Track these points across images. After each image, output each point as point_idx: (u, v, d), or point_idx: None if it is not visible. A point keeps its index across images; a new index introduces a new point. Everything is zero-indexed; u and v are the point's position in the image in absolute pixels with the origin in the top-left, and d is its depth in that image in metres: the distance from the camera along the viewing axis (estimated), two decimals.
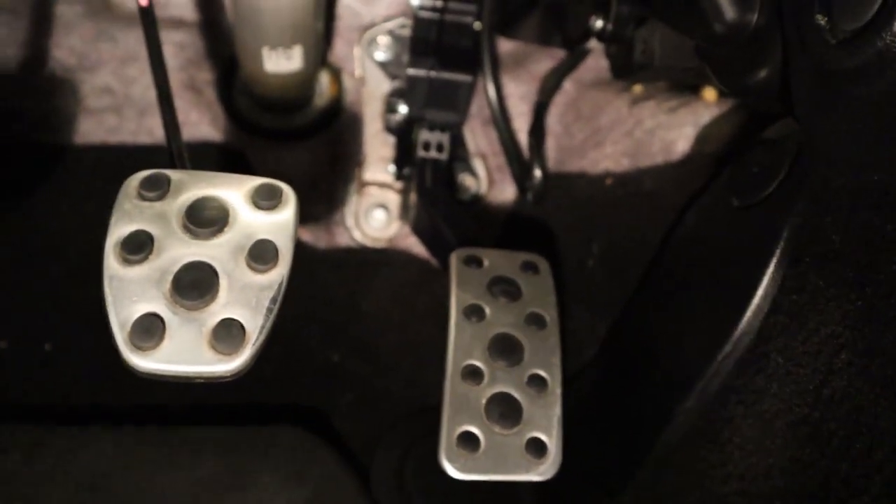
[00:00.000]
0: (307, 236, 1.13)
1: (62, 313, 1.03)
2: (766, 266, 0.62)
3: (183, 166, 0.70)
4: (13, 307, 1.03)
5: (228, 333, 0.56)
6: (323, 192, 1.15)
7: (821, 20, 0.52)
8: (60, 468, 0.84)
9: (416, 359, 1.05)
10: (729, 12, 0.61)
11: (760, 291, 0.62)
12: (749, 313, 0.63)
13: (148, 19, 0.75)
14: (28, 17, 1.12)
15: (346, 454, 0.93)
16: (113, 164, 1.12)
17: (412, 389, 1.03)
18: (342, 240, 1.14)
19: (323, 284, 1.09)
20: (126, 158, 1.12)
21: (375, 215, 1.13)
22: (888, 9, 0.46)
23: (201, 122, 1.14)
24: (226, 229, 0.60)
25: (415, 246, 1.13)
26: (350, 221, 1.14)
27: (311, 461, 0.86)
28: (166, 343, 0.55)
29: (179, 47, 1.16)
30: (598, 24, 0.87)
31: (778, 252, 0.62)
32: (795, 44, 0.56)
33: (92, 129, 1.12)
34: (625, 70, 0.90)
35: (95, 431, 0.87)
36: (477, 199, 1.14)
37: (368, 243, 1.14)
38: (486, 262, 0.81)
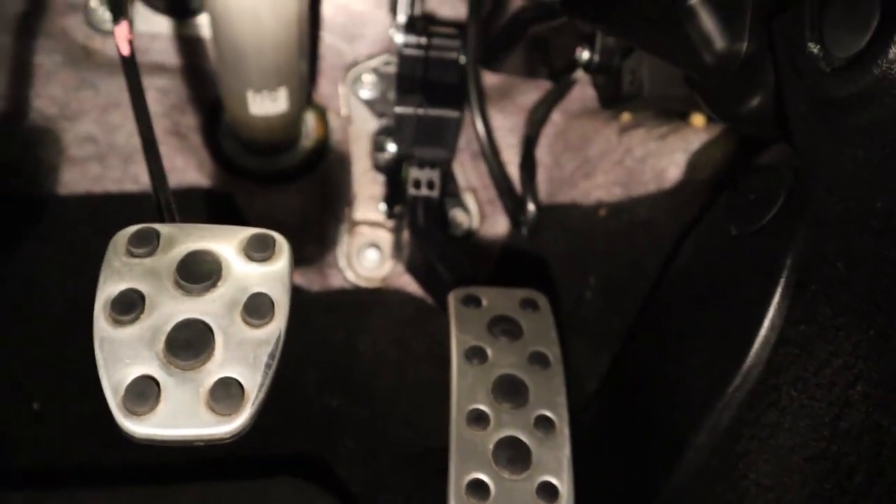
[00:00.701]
0: (300, 279, 1.11)
1: (49, 370, 1.00)
2: (771, 295, 0.61)
3: (172, 219, 0.68)
4: None
5: (227, 393, 0.54)
6: (313, 234, 1.14)
7: (813, 48, 0.52)
8: None
9: (414, 400, 1.03)
10: (718, 42, 0.60)
11: (767, 322, 0.61)
12: (757, 344, 0.62)
13: (130, 69, 0.74)
14: (7, 68, 1.11)
15: (349, 501, 0.91)
16: (98, 214, 1.10)
17: (412, 431, 1.01)
18: (335, 281, 1.13)
19: (318, 328, 1.08)
20: (111, 207, 1.10)
21: (368, 255, 1.12)
22: (882, 36, 0.46)
23: (187, 168, 1.12)
24: (219, 284, 0.58)
25: (409, 284, 1.11)
26: (342, 262, 1.13)
27: None
28: (162, 406, 0.53)
29: (162, 93, 1.15)
30: (585, 55, 0.87)
31: (782, 280, 0.61)
32: (788, 72, 0.55)
33: (75, 179, 1.10)
34: (613, 100, 0.89)
35: (87, 495, 0.84)
36: (469, 234, 1.13)
37: (362, 284, 1.13)
38: (484, 302, 0.80)
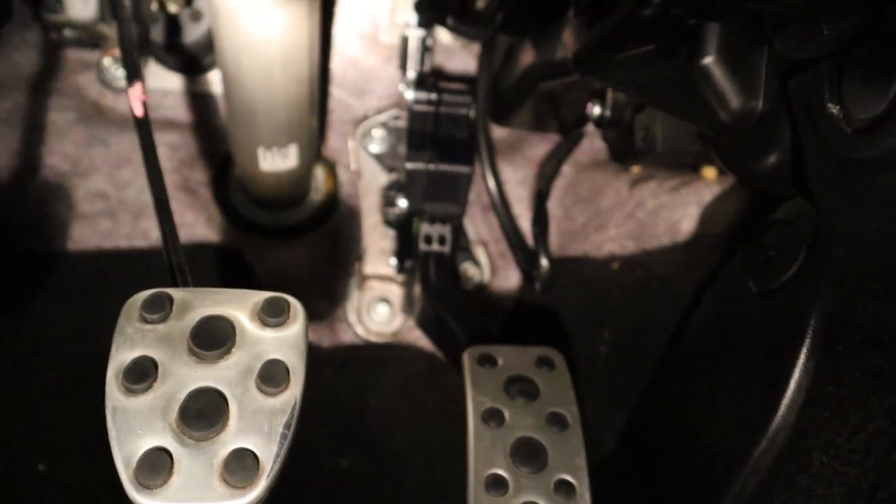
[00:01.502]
0: (309, 335, 1.10)
1: (56, 430, 0.99)
2: (796, 355, 0.60)
3: (185, 282, 0.67)
4: (5, 422, 0.99)
5: (241, 465, 0.53)
6: (323, 289, 1.13)
7: (833, 109, 0.51)
8: None
9: (427, 460, 1.01)
10: (733, 100, 0.60)
11: (793, 383, 0.60)
12: (783, 406, 0.60)
13: (143, 130, 0.74)
14: (21, 126, 1.12)
15: None
16: (108, 270, 1.09)
17: (425, 493, 0.99)
18: (345, 337, 1.11)
19: (328, 384, 1.06)
20: (121, 263, 1.10)
21: (378, 310, 1.11)
22: None
23: (197, 223, 1.12)
24: (233, 350, 0.57)
25: (420, 339, 1.10)
26: (352, 317, 1.12)
27: None
28: (175, 479, 0.52)
29: (172, 148, 1.16)
30: (596, 110, 0.87)
31: (808, 340, 0.60)
32: (808, 132, 0.55)
33: (86, 235, 1.10)
34: (625, 155, 0.89)
35: None
36: (481, 288, 1.12)
37: (372, 339, 1.11)
38: (499, 361, 0.78)
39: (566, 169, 1.12)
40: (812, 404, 0.59)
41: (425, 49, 1.02)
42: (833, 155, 0.52)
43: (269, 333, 0.59)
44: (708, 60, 0.58)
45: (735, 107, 0.60)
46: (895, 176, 0.46)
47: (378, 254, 1.13)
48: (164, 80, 1.17)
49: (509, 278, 1.14)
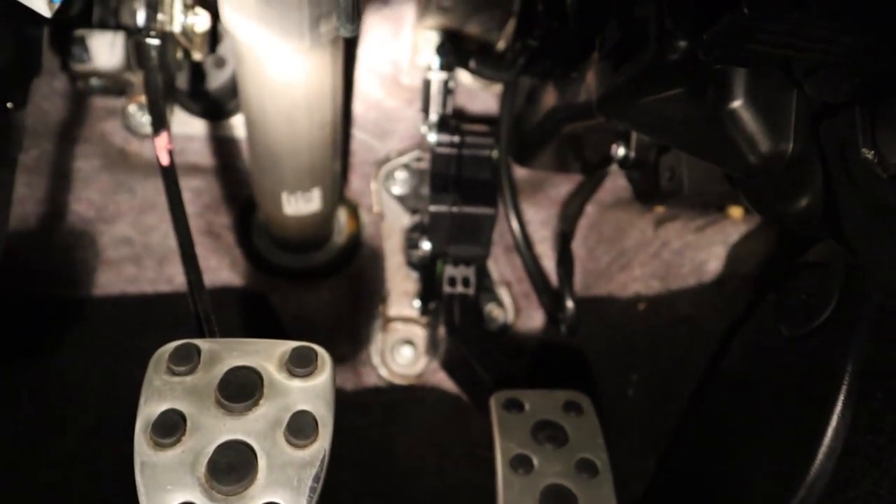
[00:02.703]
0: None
1: (84, 478, 0.98)
2: (833, 402, 0.59)
3: (211, 331, 0.67)
4: (32, 469, 0.98)
5: None
6: (347, 331, 1.13)
7: (867, 154, 0.51)
8: None
9: None
10: (763, 144, 0.60)
11: (831, 431, 0.58)
12: (821, 455, 0.59)
13: (169, 179, 0.75)
14: (48, 174, 1.13)
15: None
16: (133, 316, 1.10)
17: None
18: (370, 379, 1.11)
19: (353, 427, 1.05)
20: (147, 309, 1.10)
21: (402, 352, 1.10)
22: None
23: (221, 268, 1.13)
24: (261, 402, 0.57)
25: (444, 381, 1.09)
26: (376, 360, 1.11)
27: None
28: None
29: (196, 193, 1.17)
30: (621, 151, 0.87)
31: (844, 387, 0.58)
32: (841, 176, 0.54)
33: (111, 281, 1.11)
34: (650, 195, 0.89)
35: None
36: (505, 329, 1.12)
37: (396, 381, 1.11)
38: (527, 406, 0.78)
39: (590, 208, 1.12)
40: (851, 453, 0.57)
41: (447, 92, 1.03)
42: (867, 200, 0.51)
43: (296, 384, 0.58)
44: (737, 104, 0.58)
45: (765, 150, 0.60)
46: None
47: (402, 296, 1.13)
48: (188, 126, 1.19)
49: (533, 318, 1.13)
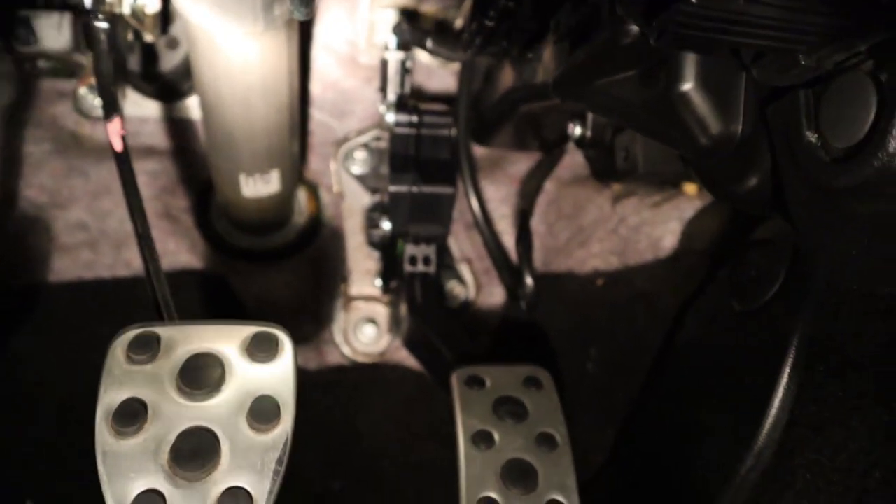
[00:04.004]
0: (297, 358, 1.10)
1: (43, 465, 0.97)
2: (779, 375, 0.61)
3: (170, 315, 0.67)
4: None
5: (235, 503, 0.53)
6: (309, 311, 1.13)
7: (811, 137, 0.52)
8: None
9: (419, 482, 1.01)
10: (713, 125, 0.61)
11: (777, 402, 0.61)
12: (767, 425, 0.61)
13: (123, 164, 0.74)
14: None
15: None
16: (90, 302, 1.08)
17: None
18: (332, 358, 1.11)
19: (317, 406, 1.06)
20: (104, 294, 1.09)
21: (365, 330, 1.11)
22: (881, 128, 0.46)
23: (179, 251, 1.12)
24: (223, 388, 0.57)
25: (407, 359, 1.10)
26: (339, 338, 1.12)
27: None
28: None
29: (153, 176, 1.15)
30: (577, 131, 0.88)
31: (790, 360, 0.61)
32: (786, 158, 0.56)
33: (66, 267, 1.09)
34: (606, 174, 0.90)
35: None
36: (466, 306, 1.13)
37: (359, 359, 1.11)
38: (488, 382, 0.79)
39: (549, 185, 1.13)
40: (796, 423, 0.60)
41: (405, 71, 1.02)
42: (811, 182, 0.53)
43: (258, 368, 0.59)
44: (687, 87, 0.59)
45: (715, 132, 0.61)
46: (872, 204, 0.47)
47: (363, 275, 1.13)
48: (141, 108, 1.17)
49: (494, 295, 1.14)
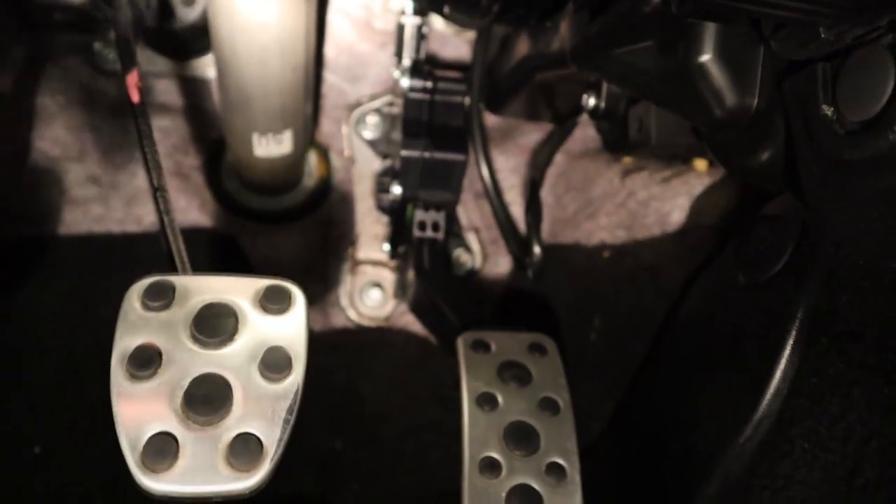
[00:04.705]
0: None
1: (51, 414, 0.99)
2: (782, 347, 0.62)
3: (184, 267, 0.68)
4: (2, 406, 0.99)
5: (245, 449, 0.54)
6: (316, 273, 1.14)
7: (827, 111, 0.53)
8: None
9: (420, 444, 1.03)
10: (729, 98, 0.61)
11: (779, 373, 0.62)
12: (768, 395, 0.62)
13: (140, 116, 0.74)
14: (10, 111, 1.11)
15: None
16: (100, 255, 1.09)
17: (418, 476, 1.01)
18: (338, 321, 1.13)
19: (321, 368, 1.07)
20: (114, 248, 1.10)
21: (371, 294, 1.12)
22: None
23: (190, 209, 1.12)
24: (236, 337, 0.59)
25: (412, 324, 1.12)
26: (345, 301, 1.13)
27: None
28: (180, 462, 0.53)
29: (164, 133, 1.16)
30: (591, 102, 0.88)
31: (793, 332, 0.62)
32: (801, 131, 0.56)
33: (77, 220, 1.10)
34: (618, 146, 0.91)
35: None
36: (472, 274, 1.14)
37: (365, 323, 1.13)
38: (493, 346, 0.80)
39: (559, 157, 1.13)
40: (796, 394, 0.61)
41: (421, 37, 1.02)
42: (824, 155, 0.53)
43: (270, 320, 0.60)
44: (705, 58, 0.59)
45: (730, 104, 0.62)
46: (882, 178, 0.48)
47: (371, 239, 1.14)
48: (156, 65, 1.17)
49: (500, 264, 1.15)
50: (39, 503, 0.94)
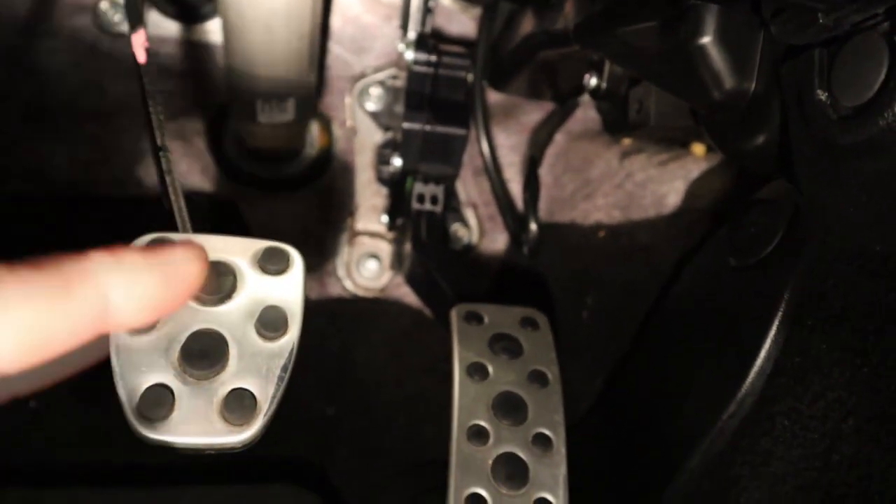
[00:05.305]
0: None
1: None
2: (768, 327, 0.63)
3: (185, 228, 0.69)
4: None
5: (240, 404, 0.55)
6: (314, 243, 1.15)
7: (821, 95, 0.54)
8: None
9: (411, 413, 1.05)
10: (728, 81, 0.63)
11: (764, 353, 0.63)
12: (753, 374, 0.64)
13: (146, 76, 0.75)
14: (13, 70, 1.11)
15: None
16: (98, 216, 1.10)
17: (408, 444, 1.03)
18: (334, 290, 1.14)
19: (316, 335, 1.09)
20: (112, 209, 1.11)
21: (368, 265, 1.13)
22: (890, 89, 0.48)
23: (191, 173, 1.13)
24: (234, 296, 0.60)
25: (407, 296, 1.13)
26: (342, 271, 1.14)
27: None
28: (176, 414, 0.55)
29: (168, 97, 1.16)
30: (593, 81, 0.89)
31: (780, 314, 0.63)
32: (795, 115, 0.58)
33: (78, 181, 1.11)
34: (618, 127, 0.91)
35: (85, 494, 0.85)
36: (469, 249, 1.15)
37: (360, 293, 1.14)
38: (486, 319, 0.81)
39: (558, 138, 1.14)
40: (779, 373, 0.62)
41: (427, 11, 1.03)
42: (818, 140, 0.55)
43: (268, 280, 0.61)
44: (705, 40, 0.60)
45: (728, 87, 0.63)
46: (871, 163, 0.49)
47: (370, 210, 1.15)
48: (161, 28, 1.17)
49: (496, 241, 1.16)
50: (36, 457, 0.96)
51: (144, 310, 0.45)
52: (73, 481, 0.87)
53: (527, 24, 0.94)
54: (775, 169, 0.65)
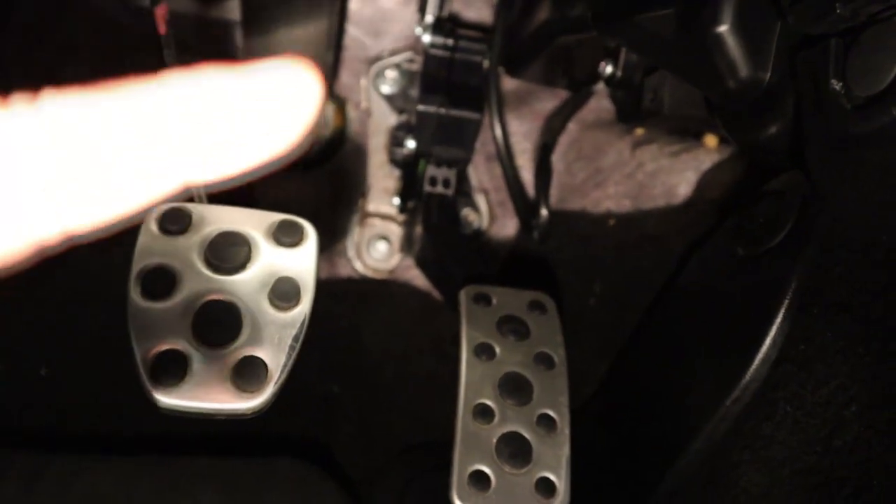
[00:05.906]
0: None
1: (57, 336, 1.02)
2: (774, 315, 0.64)
3: (200, 200, 0.70)
4: (5, 329, 1.02)
5: (251, 371, 0.57)
6: (325, 223, 1.16)
7: (836, 85, 0.54)
8: (59, 496, 0.83)
9: (416, 393, 1.06)
10: (743, 70, 0.63)
11: (769, 340, 0.64)
12: (758, 361, 0.64)
13: (167, 47, 0.76)
14: (33, 43, 1.12)
15: (347, 487, 0.93)
16: None
17: (412, 423, 1.04)
18: (344, 270, 1.15)
19: (324, 314, 1.10)
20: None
21: (378, 247, 1.14)
22: None
23: None
24: (248, 266, 0.61)
25: (416, 278, 1.14)
26: (352, 252, 1.15)
27: (312, 494, 0.86)
28: (189, 380, 0.56)
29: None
30: (608, 69, 0.89)
31: (786, 302, 0.64)
32: (809, 105, 0.58)
33: None
34: (631, 115, 0.92)
35: (93, 460, 0.86)
36: (479, 234, 1.16)
37: (370, 274, 1.15)
38: (494, 300, 0.82)
39: (571, 126, 1.15)
40: (784, 360, 0.63)
41: None
42: (830, 129, 0.55)
43: (282, 252, 0.62)
44: (722, 29, 0.61)
45: (744, 76, 0.63)
46: (881, 152, 0.50)
47: (382, 192, 1.16)
48: (180, 4, 1.17)
49: (507, 227, 1.17)
50: (45, 423, 0.97)
51: None
52: (81, 448, 0.89)
53: (544, 10, 0.94)
54: (787, 159, 0.66)
